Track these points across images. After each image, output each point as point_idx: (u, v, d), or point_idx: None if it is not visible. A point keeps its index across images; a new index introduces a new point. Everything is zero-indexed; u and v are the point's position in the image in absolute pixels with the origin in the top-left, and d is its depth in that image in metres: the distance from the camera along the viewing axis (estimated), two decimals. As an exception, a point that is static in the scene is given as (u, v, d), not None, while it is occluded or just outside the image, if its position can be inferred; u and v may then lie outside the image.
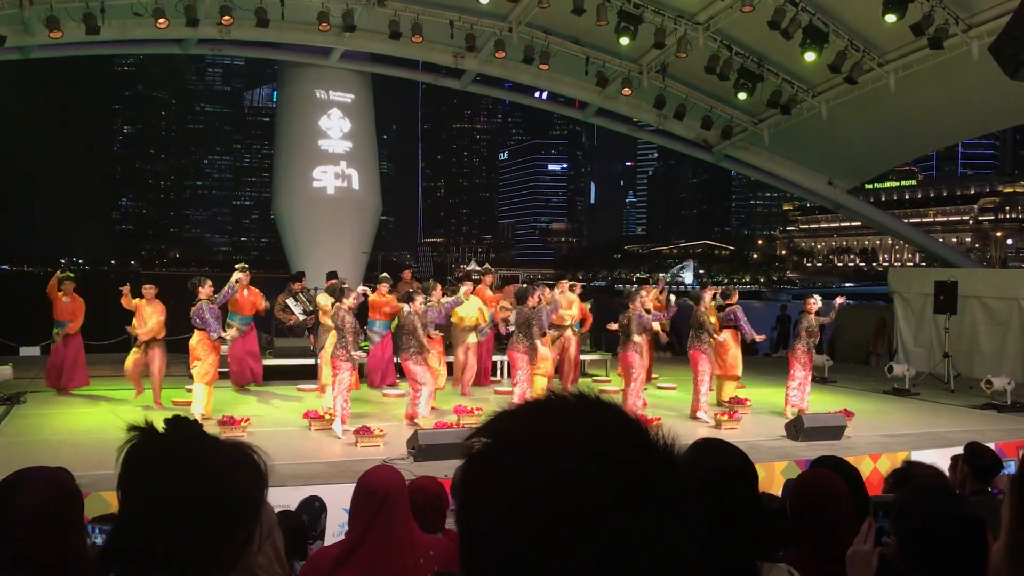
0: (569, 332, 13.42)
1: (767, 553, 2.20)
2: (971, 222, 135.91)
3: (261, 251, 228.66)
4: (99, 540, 2.75)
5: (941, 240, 30.53)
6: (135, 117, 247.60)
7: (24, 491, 2.07)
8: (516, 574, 0.75)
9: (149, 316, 11.37)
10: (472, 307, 12.98)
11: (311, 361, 13.48)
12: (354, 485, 3.06)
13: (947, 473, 5.32)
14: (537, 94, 20.85)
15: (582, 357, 14.59)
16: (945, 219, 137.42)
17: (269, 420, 10.75)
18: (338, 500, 6.60)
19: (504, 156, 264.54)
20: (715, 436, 2.33)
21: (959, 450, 5.11)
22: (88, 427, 9.85)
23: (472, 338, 13.10)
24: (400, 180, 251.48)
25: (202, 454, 1.41)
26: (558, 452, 0.78)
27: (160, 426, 1.44)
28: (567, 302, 13.31)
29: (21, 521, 1.96)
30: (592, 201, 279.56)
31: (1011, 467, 5.82)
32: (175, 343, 12.34)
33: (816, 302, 11.87)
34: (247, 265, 12.71)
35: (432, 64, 18.99)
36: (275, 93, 25.69)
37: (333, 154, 19.42)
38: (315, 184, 19.22)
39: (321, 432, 10.07)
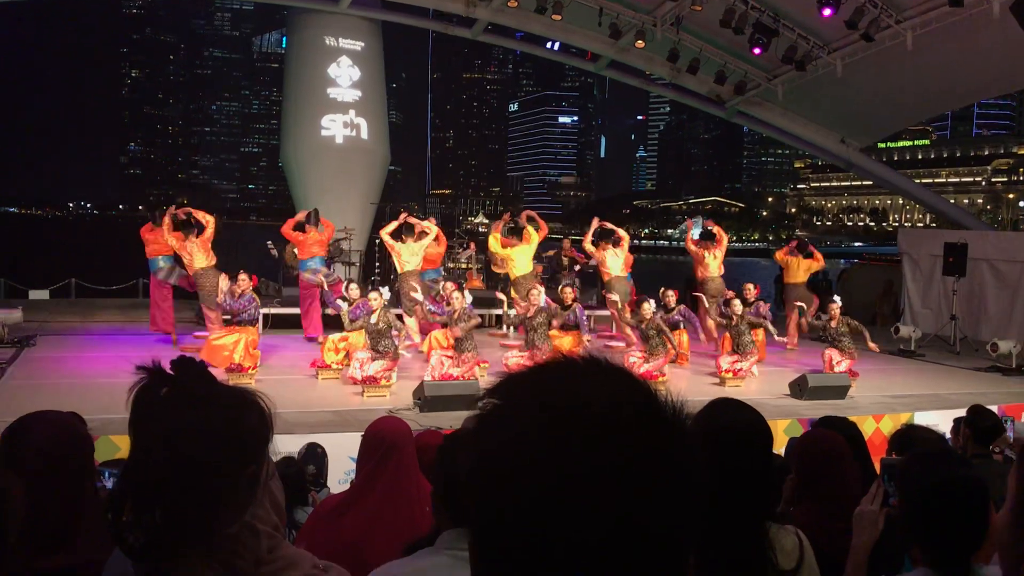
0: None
1: (774, 514, 2.23)
2: (984, 183, 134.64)
3: (269, 199, 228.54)
4: (110, 484, 2.79)
5: (952, 201, 30.30)
6: (143, 61, 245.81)
7: (34, 434, 2.09)
8: (522, 534, 0.76)
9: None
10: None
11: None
12: (360, 434, 3.09)
13: (949, 435, 5.36)
14: (549, 45, 20.55)
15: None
16: (958, 180, 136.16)
17: (276, 368, 10.83)
18: (344, 449, 6.67)
19: (514, 107, 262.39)
20: (721, 394, 2.34)
21: (962, 412, 5.13)
22: (98, 370, 9.92)
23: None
24: (409, 130, 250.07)
25: (210, 393, 1.45)
26: (568, 414, 0.78)
27: (168, 367, 1.47)
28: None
29: (31, 464, 1.99)
30: (602, 155, 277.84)
31: (1011, 430, 5.85)
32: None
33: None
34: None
35: (443, 12, 18.73)
36: (284, 39, 25.44)
37: (342, 102, 19.27)
38: (324, 133, 19.10)
39: (328, 381, 10.15)
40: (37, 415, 2.18)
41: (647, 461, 0.78)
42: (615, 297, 12.39)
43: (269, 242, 13.87)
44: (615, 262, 13.14)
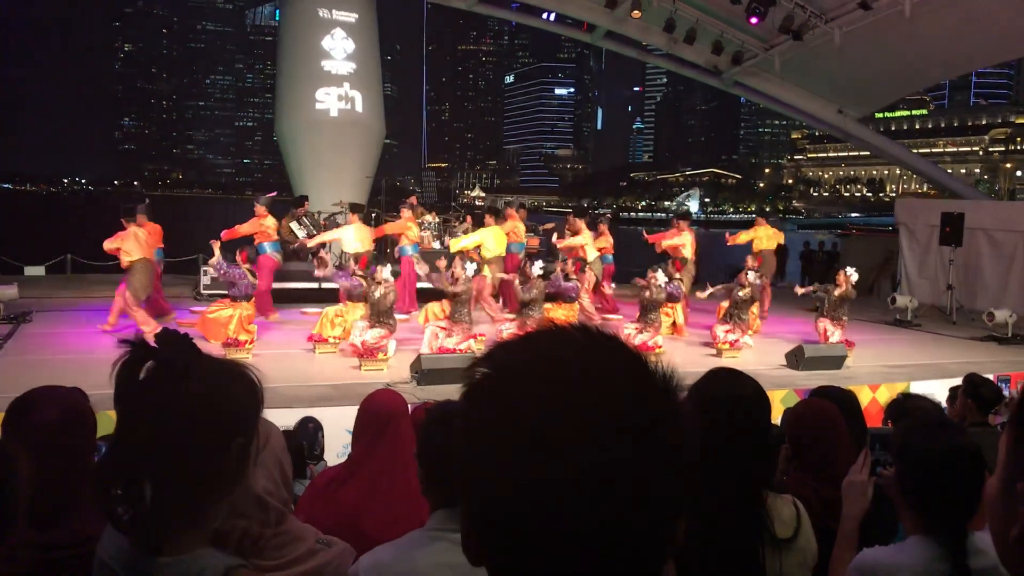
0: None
1: (772, 483, 2.23)
2: (981, 153, 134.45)
3: (264, 173, 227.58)
4: (105, 458, 2.79)
5: (950, 171, 30.25)
6: (136, 35, 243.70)
7: (40, 410, 2.08)
8: (514, 503, 0.76)
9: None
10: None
11: (313, 285, 13.51)
12: (356, 408, 3.09)
13: (945, 404, 5.38)
14: (544, 15, 20.37)
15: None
16: (955, 150, 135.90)
17: (273, 343, 10.83)
18: (341, 423, 6.68)
19: (510, 79, 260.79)
20: (717, 364, 2.34)
21: (958, 381, 5.15)
22: (94, 346, 9.91)
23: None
24: (404, 103, 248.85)
25: (196, 366, 1.42)
26: (559, 383, 0.78)
27: (152, 341, 1.44)
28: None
29: (38, 439, 1.98)
30: (599, 127, 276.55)
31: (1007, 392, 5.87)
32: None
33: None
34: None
35: (437, -17, 18.57)
36: (277, 12, 25.20)
37: (336, 75, 19.11)
38: (318, 106, 18.96)
39: (325, 355, 10.15)
40: (43, 391, 2.17)
41: (638, 430, 0.77)
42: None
43: None
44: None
